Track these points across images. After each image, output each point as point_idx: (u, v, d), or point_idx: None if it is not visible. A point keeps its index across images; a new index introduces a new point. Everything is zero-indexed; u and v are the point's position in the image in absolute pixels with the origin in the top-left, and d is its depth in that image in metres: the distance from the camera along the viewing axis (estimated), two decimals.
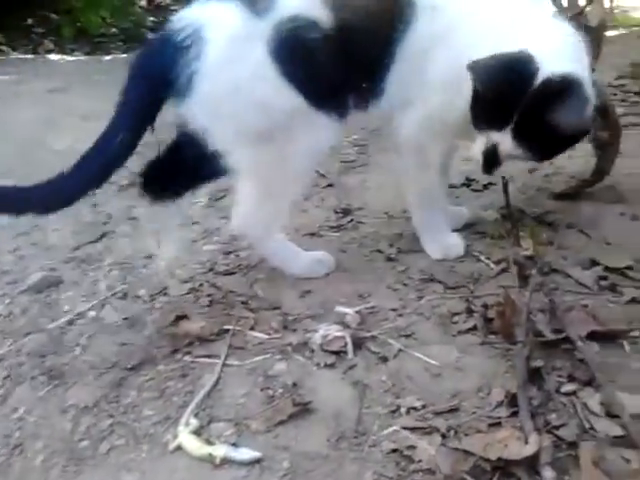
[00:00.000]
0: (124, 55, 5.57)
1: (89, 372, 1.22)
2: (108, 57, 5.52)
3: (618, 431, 0.94)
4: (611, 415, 0.97)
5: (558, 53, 1.22)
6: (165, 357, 1.24)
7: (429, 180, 1.46)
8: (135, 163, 1.38)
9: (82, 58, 5.47)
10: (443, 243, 1.49)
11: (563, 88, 1.17)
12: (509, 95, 1.19)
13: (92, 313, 1.42)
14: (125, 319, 1.39)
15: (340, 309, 1.27)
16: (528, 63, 1.19)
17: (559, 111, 1.16)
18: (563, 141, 1.24)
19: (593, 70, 1.31)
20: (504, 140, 1.23)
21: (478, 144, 1.28)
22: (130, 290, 1.51)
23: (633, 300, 1.24)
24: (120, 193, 2.20)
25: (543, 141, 1.23)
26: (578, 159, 1.95)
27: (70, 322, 1.40)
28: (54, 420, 1.11)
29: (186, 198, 1.50)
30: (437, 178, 1.47)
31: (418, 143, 1.41)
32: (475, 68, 1.18)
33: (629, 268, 1.33)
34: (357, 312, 1.26)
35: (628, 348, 1.12)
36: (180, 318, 1.35)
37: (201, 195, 2.07)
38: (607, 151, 1.61)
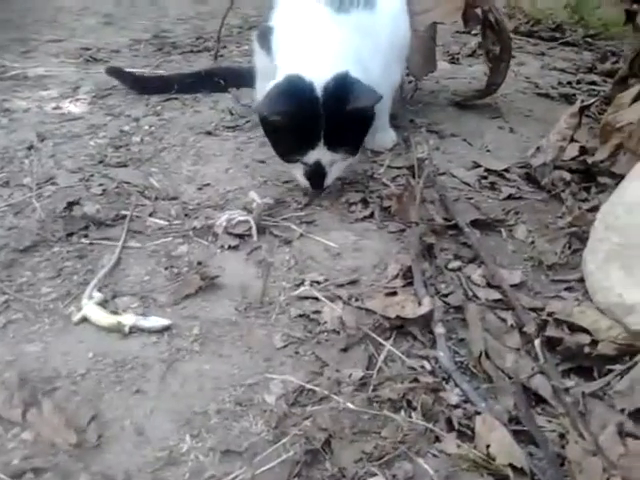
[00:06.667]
0: None
1: None
2: None
3: (496, 296, 1.06)
4: (490, 285, 1.09)
5: (322, 61, 1.25)
6: (60, 240, 1.19)
7: None
8: None
9: None
10: None
11: (341, 84, 1.21)
12: (306, 117, 1.22)
13: None
14: (9, 205, 1.31)
15: (252, 194, 1.27)
16: (301, 83, 1.22)
17: (353, 99, 1.20)
18: (363, 123, 1.28)
19: None
20: (321, 154, 1.26)
21: (296, 172, 1.32)
22: (12, 179, 1.41)
23: (509, 197, 1.37)
24: None
25: (350, 134, 1.27)
26: (460, 80, 2.09)
27: None
28: None
29: None
30: None
31: None
32: (261, 109, 1.25)
33: (506, 170, 1.47)
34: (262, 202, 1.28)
35: (505, 234, 1.25)
36: (73, 204, 1.30)
37: (83, 92, 1.96)
38: (499, 65, 1.73)
